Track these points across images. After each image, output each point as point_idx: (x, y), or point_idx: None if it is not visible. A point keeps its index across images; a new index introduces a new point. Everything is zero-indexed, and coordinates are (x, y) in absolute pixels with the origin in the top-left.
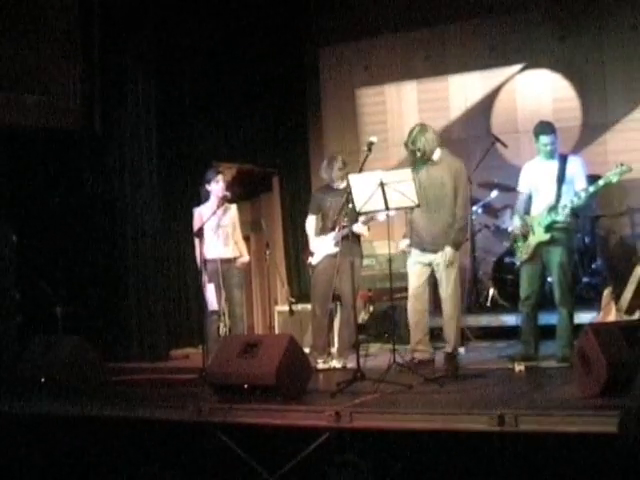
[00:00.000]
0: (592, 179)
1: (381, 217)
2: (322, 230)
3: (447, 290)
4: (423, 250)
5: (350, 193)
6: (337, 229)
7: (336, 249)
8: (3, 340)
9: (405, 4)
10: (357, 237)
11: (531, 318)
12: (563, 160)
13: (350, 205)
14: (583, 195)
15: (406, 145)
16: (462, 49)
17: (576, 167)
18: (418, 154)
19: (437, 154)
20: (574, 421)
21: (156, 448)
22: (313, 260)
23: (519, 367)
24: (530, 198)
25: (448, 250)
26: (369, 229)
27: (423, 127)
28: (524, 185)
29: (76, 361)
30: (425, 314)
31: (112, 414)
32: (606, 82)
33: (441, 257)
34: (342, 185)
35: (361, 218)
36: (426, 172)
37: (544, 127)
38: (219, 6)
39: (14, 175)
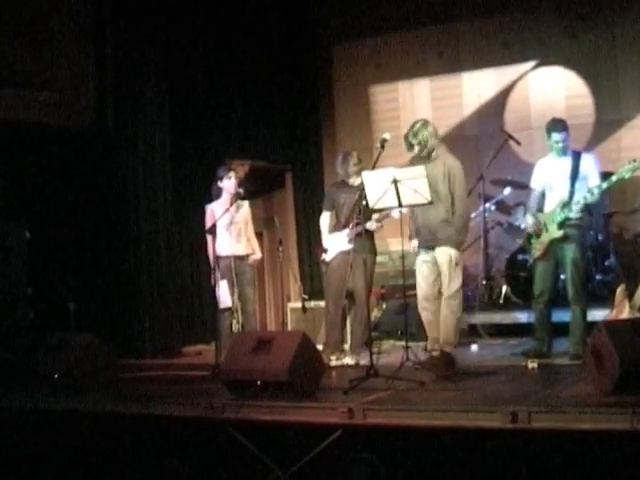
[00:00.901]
0: (605, 176)
1: (395, 214)
2: (335, 227)
3: (449, 289)
4: (426, 248)
5: (363, 190)
6: (350, 226)
7: (350, 246)
8: (16, 336)
9: (418, 1)
10: (370, 234)
11: (544, 315)
12: (576, 157)
13: (364, 202)
14: (596, 192)
15: (406, 137)
16: (475, 46)
17: (589, 164)
18: (417, 148)
19: (435, 151)
20: (587, 418)
21: (168, 445)
22: (327, 257)
23: (532, 364)
24: (543, 195)
25: (452, 252)
26: (382, 226)
27: (425, 122)
28: (537, 182)
29: (89, 358)
30: (437, 313)
31: (125, 411)
32: (619, 79)
33: (443, 257)
34: (357, 181)
35: (375, 215)
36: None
37: (556, 124)
38: (233, 4)
39: (27, 172)
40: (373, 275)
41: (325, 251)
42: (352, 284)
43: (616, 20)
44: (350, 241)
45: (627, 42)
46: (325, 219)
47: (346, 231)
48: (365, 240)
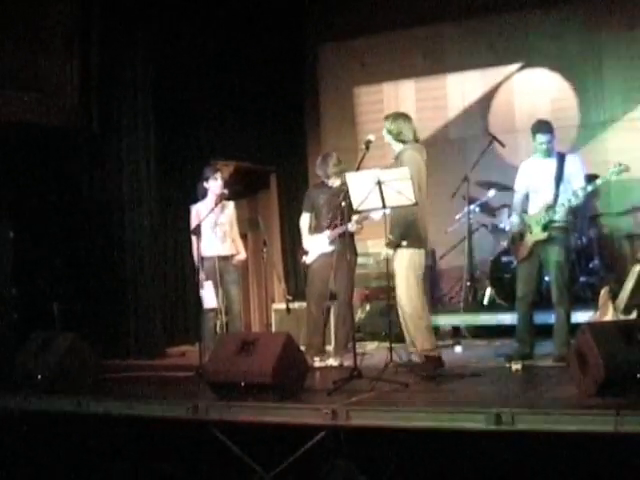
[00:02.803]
0: (590, 178)
1: (376, 216)
2: (316, 228)
3: (399, 294)
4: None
5: (347, 191)
6: (331, 228)
7: (331, 248)
8: (0, 337)
9: (404, 2)
10: (351, 235)
11: (527, 317)
12: (561, 159)
13: (344, 203)
14: (581, 194)
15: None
16: (460, 48)
17: (574, 166)
18: (385, 133)
19: (398, 148)
20: (571, 420)
21: (152, 446)
22: (307, 259)
23: (516, 366)
24: (527, 197)
25: (404, 253)
26: (362, 228)
27: (408, 118)
28: (521, 184)
29: (72, 358)
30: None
31: (108, 411)
32: (604, 81)
33: (396, 258)
34: (336, 183)
35: (354, 217)
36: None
37: (541, 125)
38: (217, 4)
39: (11, 172)
40: (355, 276)
41: (306, 253)
42: (335, 285)
43: (601, 23)
44: (331, 243)
45: (612, 44)
46: (305, 220)
47: (327, 232)
48: (346, 241)
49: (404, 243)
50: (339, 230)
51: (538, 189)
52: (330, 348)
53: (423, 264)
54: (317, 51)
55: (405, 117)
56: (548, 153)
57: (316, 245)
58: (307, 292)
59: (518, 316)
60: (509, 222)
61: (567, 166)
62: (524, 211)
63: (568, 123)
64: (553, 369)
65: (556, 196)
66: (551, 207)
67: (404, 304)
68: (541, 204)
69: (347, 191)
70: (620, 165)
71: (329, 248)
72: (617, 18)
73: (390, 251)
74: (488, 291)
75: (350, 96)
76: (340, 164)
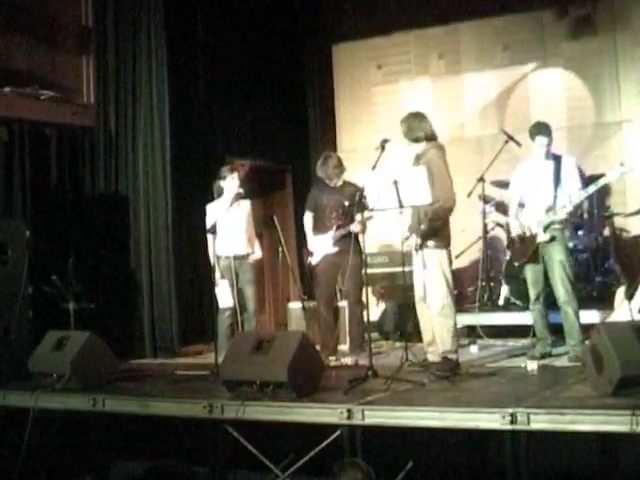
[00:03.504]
0: (595, 178)
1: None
2: (319, 228)
3: (430, 294)
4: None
5: (355, 192)
6: (335, 228)
7: (335, 249)
8: (16, 335)
9: (419, 2)
10: (356, 235)
11: (543, 316)
12: (557, 160)
13: (347, 203)
14: (583, 194)
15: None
16: (476, 47)
17: (570, 167)
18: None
19: (420, 147)
20: (586, 420)
21: (168, 444)
22: (313, 260)
23: (531, 365)
24: (524, 199)
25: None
26: (366, 228)
27: (419, 115)
28: (517, 187)
29: (88, 357)
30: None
31: (124, 410)
32: (620, 80)
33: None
34: (338, 183)
35: (357, 217)
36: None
37: (541, 127)
38: (233, 3)
39: (27, 171)
40: (362, 276)
41: (311, 254)
42: (344, 286)
43: (617, 21)
44: (335, 243)
45: (628, 44)
46: (308, 219)
47: (331, 233)
48: (350, 240)
49: (430, 243)
50: (343, 231)
51: (536, 191)
52: (345, 347)
53: (450, 263)
54: (333, 51)
55: (416, 115)
56: (547, 155)
57: (321, 246)
58: (316, 294)
59: (533, 317)
60: (510, 225)
61: (563, 167)
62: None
63: (583, 123)
64: (568, 369)
65: (555, 197)
66: (551, 208)
67: (431, 303)
68: (540, 205)
69: (355, 192)
70: (622, 166)
71: (334, 249)
72: (632, 17)
73: (414, 237)
74: (503, 290)
75: (366, 96)
76: (341, 165)
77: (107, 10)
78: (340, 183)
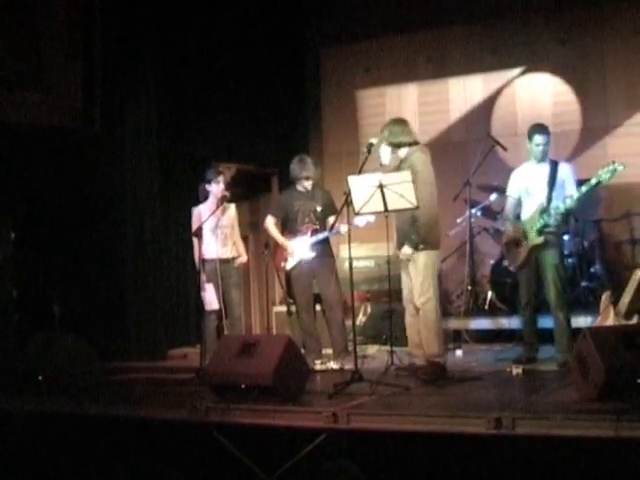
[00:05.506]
0: (585, 182)
1: (360, 223)
2: (290, 233)
3: (418, 297)
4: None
5: (349, 194)
6: (309, 233)
7: (312, 253)
8: (1, 338)
9: (407, 6)
10: (327, 239)
11: (532, 321)
12: (554, 165)
13: (318, 208)
14: (575, 196)
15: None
16: (463, 52)
17: (567, 173)
18: (382, 139)
19: (403, 152)
20: (571, 425)
21: (153, 447)
22: (287, 265)
23: (516, 370)
24: (519, 203)
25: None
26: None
27: (400, 121)
28: (514, 189)
29: (74, 359)
30: (417, 317)
31: (109, 413)
32: (606, 86)
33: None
34: (309, 187)
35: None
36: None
37: (539, 127)
38: (220, 7)
39: (14, 173)
40: (338, 278)
41: (285, 259)
42: (320, 290)
43: (604, 28)
44: (312, 248)
45: (615, 49)
46: (271, 223)
47: (305, 238)
48: (323, 245)
49: (421, 246)
50: (321, 235)
51: (532, 193)
52: (328, 351)
53: (437, 265)
54: (320, 54)
55: (397, 121)
56: (543, 156)
57: (296, 251)
58: (295, 299)
59: (522, 322)
60: (503, 229)
61: (560, 172)
62: (517, 217)
63: (570, 127)
64: (553, 373)
65: (549, 200)
66: (545, 210)
67: (419, 306)
68: (535, 208)
69: (325, 196)
70: (614, 164)
71: (309, 254)
72: (620, 23)
73: (410, 250)
74: (489, 295)
75: (353, 99)
76: (314, 168)
77: (95, 11)
78: (309, 187)
